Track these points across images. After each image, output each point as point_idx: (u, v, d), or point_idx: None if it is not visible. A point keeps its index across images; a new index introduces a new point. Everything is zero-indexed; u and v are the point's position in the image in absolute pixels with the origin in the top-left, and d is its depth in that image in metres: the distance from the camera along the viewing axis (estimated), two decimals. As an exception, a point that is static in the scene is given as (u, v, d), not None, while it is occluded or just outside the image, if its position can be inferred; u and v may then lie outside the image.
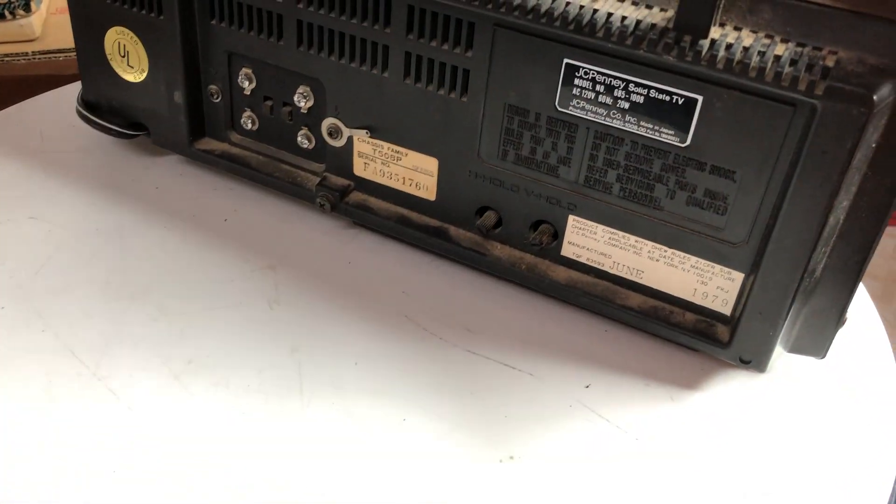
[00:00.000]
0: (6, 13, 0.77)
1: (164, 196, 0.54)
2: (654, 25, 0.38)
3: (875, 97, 0.35)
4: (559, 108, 0.42)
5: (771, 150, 0.39)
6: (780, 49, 0.37)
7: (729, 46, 0.37)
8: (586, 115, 0.42)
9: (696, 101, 0.39)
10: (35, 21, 0.79)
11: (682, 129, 0.40)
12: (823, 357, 0.45)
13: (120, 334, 0.45)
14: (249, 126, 0.53)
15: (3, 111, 0.62)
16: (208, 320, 0.46)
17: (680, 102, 0.39)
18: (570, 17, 0.39)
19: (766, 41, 0.37)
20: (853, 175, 0.38)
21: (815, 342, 0.44)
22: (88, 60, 0.54)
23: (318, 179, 0.52)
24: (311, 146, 0.51)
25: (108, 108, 0.56)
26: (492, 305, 0.49)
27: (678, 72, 0.39)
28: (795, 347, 0.45)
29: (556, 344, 0.47)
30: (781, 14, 0.38)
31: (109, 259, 0.49)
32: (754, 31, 0.38)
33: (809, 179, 0.38)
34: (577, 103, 0.42)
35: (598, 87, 0.41)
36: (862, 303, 0.52)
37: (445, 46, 0.43)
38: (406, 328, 0.47)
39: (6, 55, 0.77)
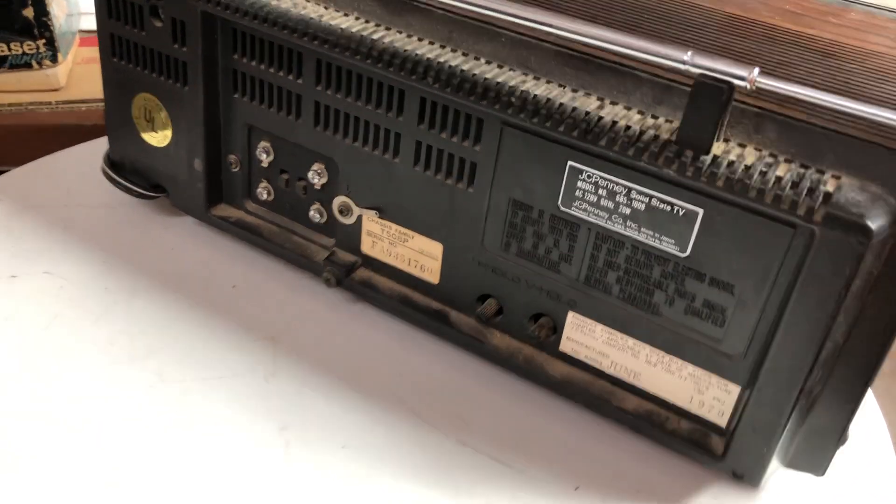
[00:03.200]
0: (33, 63, 0.79)
1: (177, 258, 0.55)
2: (657, 137, 0.38)
3: (874, 227, 0.35)
4: (562, 208, 0.43)
5: (770, 269, 0.38)
6: (782, 169, 0.37)
7: (731, 164, 0.37)
8: (588, 216, 0.42)
9: (697, 213, 0.39)
10: (60, 71, 0.82)
11: (683, 239, 0.40)
12: (823, 475, 0.44)
13: (117, 399, 0.45)
14: (265, 196, 0.54)
15: (35, 161, 0.64)
16: (204, 390, 0.46)
17: (681, 213, 0.39)
18: (576, 123, 0.40)
19: (770, 160, 0.37)
20: (852, 301, 0.37)
21: (814, 459, 0.43)
22: (116, 122, 0.56)
23: (326, 253, 0.52)
24: (322, 221, 0.52)
25: (131, 168, 0.57)
26: (487, 394, 0.48)
27: (679, 184, 0.38)
28: (793, 463, 0.44)
29: (548, 439, 0.46)
30: (787, 135, 0.37)
31: (116, 320, 0.50)
32: (758, 149, 0.38)
33: (806, 302, 0.37)
34: (580, 204, 0.42)
35: (600, 191, 0.41)
36: (868, 414, 0.51)
37: (455, 139, 0.44)
38: (398, 412, 0.47)
39: (31, 103, 0.80)
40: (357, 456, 0.44)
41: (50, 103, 0.80)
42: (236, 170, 0.54)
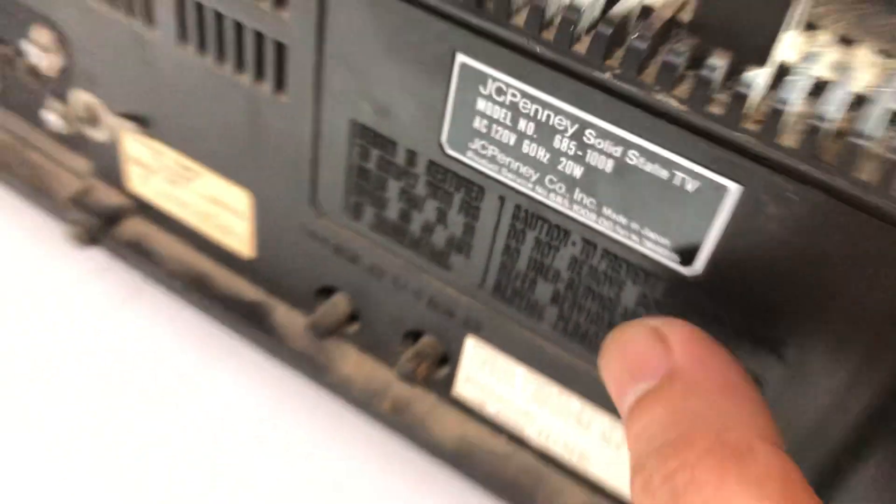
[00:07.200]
0: None
1: None
2: (648, 11, 0.16)
3: None
4: (449, 151, 0.21)
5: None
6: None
7: (818, 89, 0.15)
8: (499, 173, 0.20)
9: (726, 190, 0.17)
10: None
11: (691, 239, 0.18)
12: None
13: None
14: (-17, 81, 0.32)
15: None
16: None
17: (690, 187, 0.18)
18: (463, -30, 0.17)
19: (918, 81, 0.15)
20: None
21: None
22: None
23: (79, 186, 0.31)
24: (65, 129, 0.30)
25: None
26: (332, 457, 0.28)
27: (689, 127, 0.17)
28: None
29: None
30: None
31: None
32: (886, 53, 0.16)
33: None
34: (484, 147, 0.20)
35: (522, 123, 0.19)
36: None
37: (242, -7, 0.22)
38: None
39: None
40: None
41: None
42: (-67, 32, 0.32)
